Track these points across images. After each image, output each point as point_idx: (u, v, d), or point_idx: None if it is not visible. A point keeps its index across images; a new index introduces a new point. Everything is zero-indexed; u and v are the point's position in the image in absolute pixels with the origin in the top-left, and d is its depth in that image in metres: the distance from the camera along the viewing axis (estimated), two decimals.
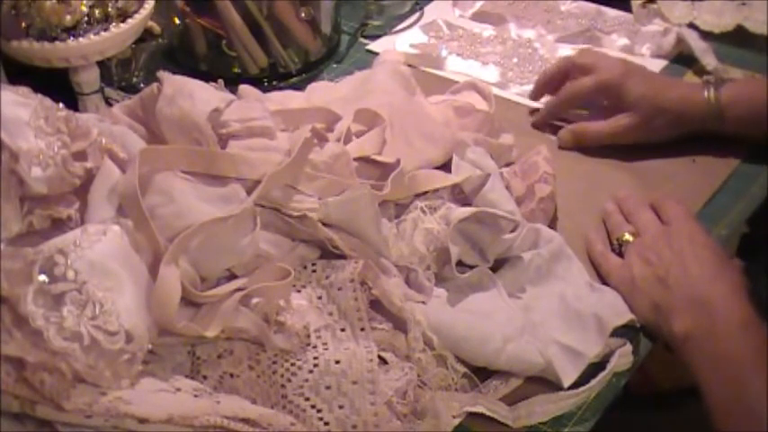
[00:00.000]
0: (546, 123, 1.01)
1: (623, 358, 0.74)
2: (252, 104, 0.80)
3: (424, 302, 0.75)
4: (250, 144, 0.76)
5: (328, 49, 1.14)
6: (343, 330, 0.71)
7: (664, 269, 0.77)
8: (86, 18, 0.90)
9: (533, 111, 1.03)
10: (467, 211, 0.79)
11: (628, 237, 0.83)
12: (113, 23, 0.91)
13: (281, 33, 1.07)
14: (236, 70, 1.08)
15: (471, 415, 0.71)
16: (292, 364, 0.68)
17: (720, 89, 0.93)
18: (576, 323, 0.75)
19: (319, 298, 0.72)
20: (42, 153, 0.65)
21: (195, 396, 0.63)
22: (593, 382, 0.72)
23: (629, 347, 0.75)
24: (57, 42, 0.89)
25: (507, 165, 0.91)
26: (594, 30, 1.17)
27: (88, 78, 0.95)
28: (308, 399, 0.67)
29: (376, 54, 1.12)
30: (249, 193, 0.72)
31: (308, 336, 0.69)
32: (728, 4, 1.15)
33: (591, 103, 1.00)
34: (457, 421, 0.70)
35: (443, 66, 1.12)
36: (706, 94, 0.93)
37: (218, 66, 1.08)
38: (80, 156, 0.69)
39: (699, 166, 0.96)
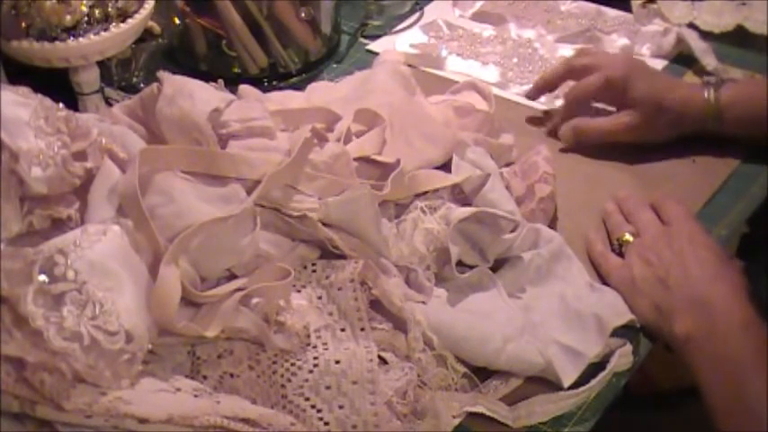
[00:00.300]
0: (556, 128, 1.00)
1: (623, 358, 0.74)
2: (252, 104, 0.80)
3: (424, 302, 0.75)
4: (250, 144, 0.76)
5: (328, 49, 1.14)
6: (343, 330, 0.71)
7: (664, 270, 0.77)
8: (86, 18, 0.90)
9: (536, 118, 1.03)
10: (467, 211, 0.79)
11: (628, 237, 0.83)
12: (113, 23, 0.91)
13: (281, 33, 1.07)
14: (236, 70, 1.08)
15: (471, 415, 0.71)
16: (292, 364, 0.68)
17: (720, 90, 0.93)
18: (576, 323, 0.75)
19: (319, 298, 0.72)
20: (42, 153, 0.65)
21: (195, 396, 0.63)
22: (594, 382, 0.72)
23: (629, 347, 0.75)
24: (57, 42, 0.89)
25: (507, 165, 0.91)
26: (594, 30, 1.17)
27: (88, 78, 0.95)
28: (308, 399, 0.67)
29: (376, 54, 1.12)
30: (249, 193, 0.72)
31: (308, 336, 0.69)
32: (728, 4, 1.15)
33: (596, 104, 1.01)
34: (457, 421, 0.70)
35: (443, 66, 1.12)
36: (706, 94, 0.93)
37: (218, 66, 1.08)
38: (80, 156, 0.69)
39: (699, 166, 0.96)
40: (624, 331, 0.76)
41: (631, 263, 0.79)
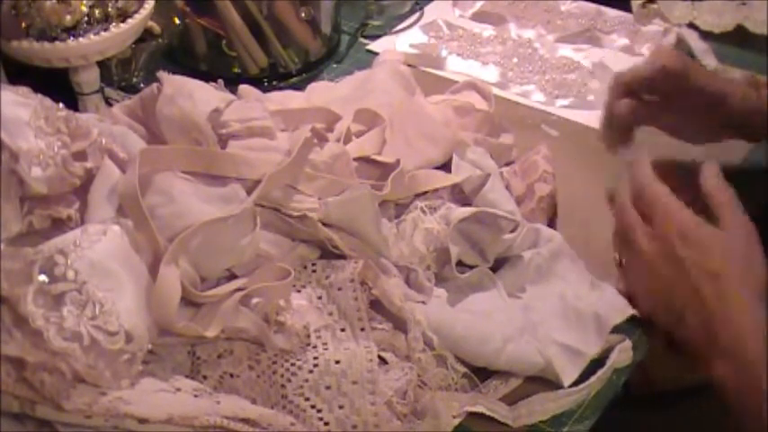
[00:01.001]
0: (612, 135, 0.90)
1: (623, 354, 0.74)
2: (252, 104, 0.80)
3: (423, 302, 0.75)
4: (250, 144, 0.76)
5: (328, 49, 1.14)
6: (343, 330, 0.71)
7: (680, 301, 0.71)
8: (86, 18, 0.90)
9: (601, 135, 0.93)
10: (467, 210, 0.79)
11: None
12: (113, 23, 0.91)
13: (281, 33, 1.07)
14: (236, 70, 1.08)
15: (471, 415, 0.71)
16: (292, 364, 0.68)
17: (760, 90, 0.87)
18: (576, 322, 0.75)
19: (319, 298, 0.72)
20: (42, 153, 0.65)
21: (195, 396, 0.63)
22: (593, 378, 0.72)
23: (628, 343, 0.75)
24: (57, 42, 0.89)
25: (507, 164, 0.91)
26: (594, 30, 1.17)
27: (88, 78, 0.95)
28: (308, 399, 0.67)
29: (376, 54, 1.12)
30: (249, 193, 0.72)
31: (308, 336, 0.69)
32: (728, 4, 1.15)
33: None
34: (457, 421, 0.70)
35: (443, 66, 1.12)
36: (746, 93, 0.87)
37: (218, 66, 1.08)
38: (80, 156, 0.69)
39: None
40: (624, 326, 0.76)
41: (636, 282, 0.76)
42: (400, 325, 0.73)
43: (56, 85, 0.84)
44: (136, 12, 0.93)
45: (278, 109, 0.85)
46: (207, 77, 0.81)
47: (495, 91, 1.02)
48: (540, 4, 1.23)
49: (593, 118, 1.03)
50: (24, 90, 0.69)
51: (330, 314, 0.72)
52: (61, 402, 0.59)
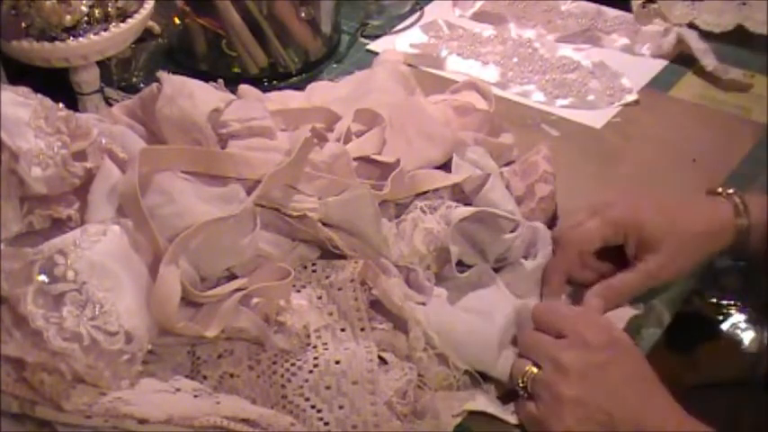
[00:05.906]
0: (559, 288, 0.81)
1: None
2: (252, 104, 0.80)
3: (424, 303, 0.75)
4: (250, 144, 0.76)
5: (328, 49, 1.14)
6: (343, 330, 0.71)
7: None
8: (86, 18, 0.90)
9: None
10: (467, 210, 0.79)
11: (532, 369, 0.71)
12: (113, 23, 0.91)
13: (281, 33, 1.07)
14: (236, 70, 1.08)
15: (471, 415, 0.71)
16: (292, 365, 0.68)
17: (749, 212, 0.81)
18: None
19: (319, 298, 0.72)
20: (42, 153, 0.65)
21: (195, 396, 0.63)
22: None
23: None
24: (57, 42, 0.89)
25: (507, 164, 0.91)
26: (594, 29, 1.17)
27: (88, 78, 0.95)
28: (307, 399, 0.67)
29: (376, 54, 1.12)
30: (249, 193, 0.72)
31: (308, 336, 0.69)
32: (728, 4, 1.15)
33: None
34: (457, 421, 0.70)
35: (443, 66, 1.12)
36: (739, 221, 0.81)
37: (218, 66, 1.08)
38: (80, 156, 0.69)
39: (699, 166, 0.96)
40: (625, 327, 0.76)
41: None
42: (400, 325, 0.73)
43: (56, 85, 0.84)
44: (136, 12, 0.93)
45: (278, 109, 0.85)
46: (207, 77, 0.81)
47: (495, 91, 1.02)
48: (540, 4, 1.23)
49: (593, 118, 1.03)
50: (24, 90, 0.69)
51: (330, 314, 0.72)
52: (61, 403, 0.59)
